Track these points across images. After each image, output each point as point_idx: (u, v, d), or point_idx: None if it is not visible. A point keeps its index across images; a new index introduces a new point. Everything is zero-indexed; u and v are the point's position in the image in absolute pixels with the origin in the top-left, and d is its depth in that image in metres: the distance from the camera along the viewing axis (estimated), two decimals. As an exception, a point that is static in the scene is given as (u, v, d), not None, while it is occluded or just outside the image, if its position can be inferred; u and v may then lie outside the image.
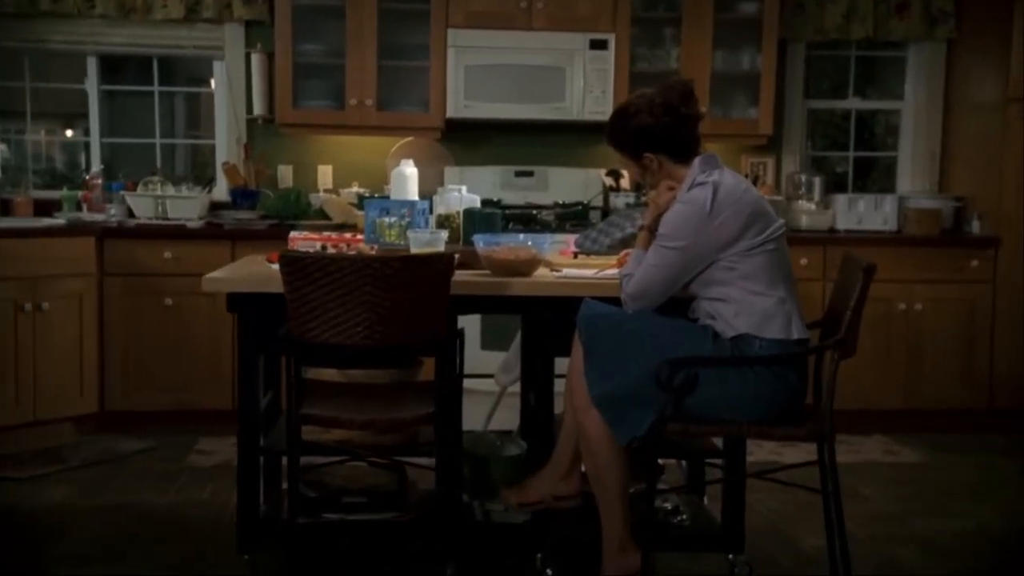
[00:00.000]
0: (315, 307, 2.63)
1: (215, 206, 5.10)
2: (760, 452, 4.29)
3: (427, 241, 3.02)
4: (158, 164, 5.30)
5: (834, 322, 2.72)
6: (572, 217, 5.01)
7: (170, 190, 4.99)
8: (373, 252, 3.23)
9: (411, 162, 3.43)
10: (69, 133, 6.06)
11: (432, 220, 3.38)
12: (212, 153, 5.37)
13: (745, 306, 2.64)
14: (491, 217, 3.26)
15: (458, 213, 3.37)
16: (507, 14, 4.90)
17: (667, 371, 2.57)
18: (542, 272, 3.08)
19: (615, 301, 2.79)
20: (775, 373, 2.61)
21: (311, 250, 3.31)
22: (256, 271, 3.02)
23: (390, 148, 5.24)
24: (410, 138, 5.23)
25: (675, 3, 5.07)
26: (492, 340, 4.65)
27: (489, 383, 3.93)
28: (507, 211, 4.92)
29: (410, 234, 3.06)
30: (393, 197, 3.43)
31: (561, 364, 2.99)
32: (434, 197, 3.47)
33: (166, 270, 4.62)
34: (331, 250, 3.35)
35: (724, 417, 2.64)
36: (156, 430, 4.64)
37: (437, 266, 2.68)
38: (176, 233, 4.72)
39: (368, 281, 2.60)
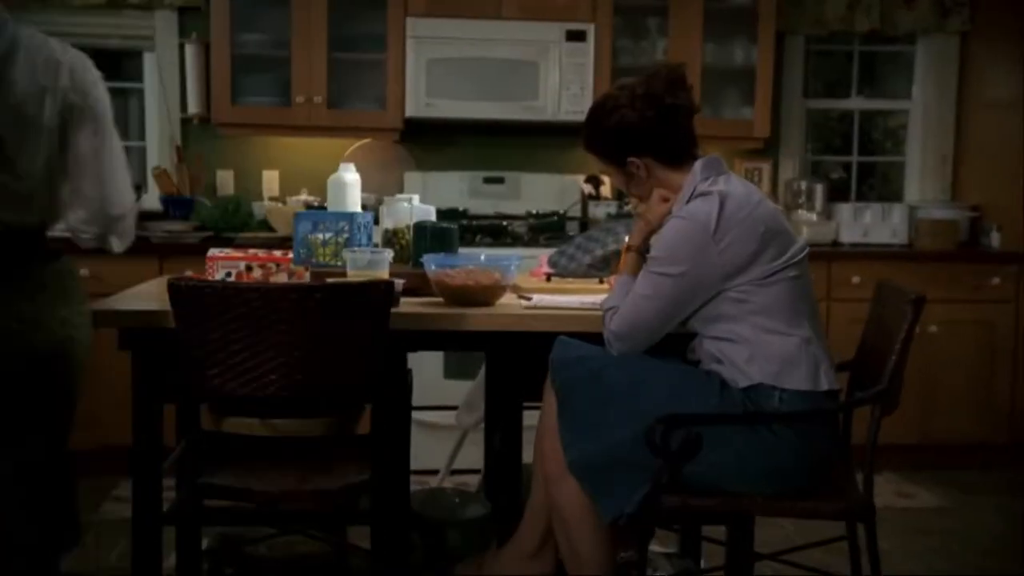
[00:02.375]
0: (215, 350, 2.08)
1: (145, 216, 4.52)
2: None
3: (367, 263, 2.48)
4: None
5: (869, 365, 2.19)
6: (547, 229, 4.56)
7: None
8: (302, 276, 2.69)
9: (351, 166, 2.88)
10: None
11: (377, 236, 2.85)
12: (142, 157, 4.79)
13: (760, 348, 2.10)
14: (446, 233, 2.71)
15: (408, 228, 2.82)
16: (474, 1, 4.44)
17: (662, 431, 2.03)
18: (507, 300, 2.55)
19: (597, 338, 2.25)
20: (799, 434, 2.08)
21: (230, 272, 2.78)
22: (159, 298, 2.44)
23: (344, 151, 4.73)
24: (366, 140, 4.74)
25: None
26: (456, 368, 4.17)
27: (452, 417, 3.43)
28: (475, 222, 4.55)
29: (346, 255, 2.51)
30: (331, 208, 2.87)
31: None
32: (380, 208, 2.92)
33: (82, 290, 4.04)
34: (257, 270, 2.84)
35: (734, 488, 2.11)
36: (70, 473, 4.04)
37: (372, 296, 2.13)
38: (94, 248, 4.15)
39: (283, 317, 2.05)
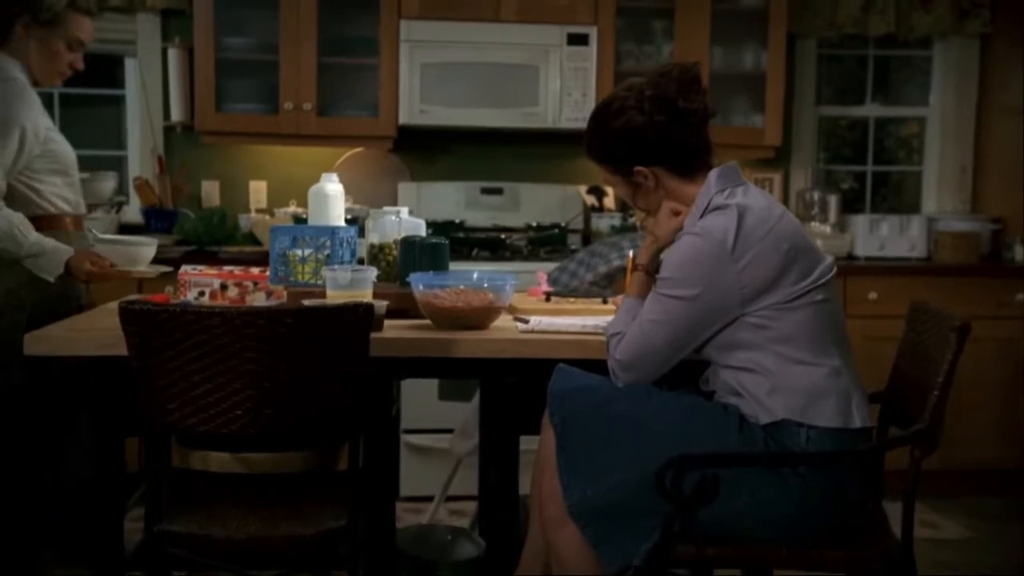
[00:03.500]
0: (173, 382, 1.86)
1: (125, 229, 4.31)
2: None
3: (348, 282, 2.26)
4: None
5: (905, 398, 1.96)
6: (548, 242, 4.36)
7: (70, 210, 4.21)
8: (281, 296, 2.47)
9: (334, 176, 2.66)
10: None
11: (362, 251, 2.64)
12: (123, 167, 4.58)
13: (784, 380, 1.88)
14: (436, 249, 2.49)
15: (396, 243, 2.60)
16: (470, 3, 4.24)
17: (674, 472, 1.81)
18: (502, 323, 2.33)
19: (601, 366, 2.02)
20: (828, 476, 1.86)
21: (203, 291, 2.57)
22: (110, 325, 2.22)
23: (335, 161, 4.56)
24: (358, 149, 4.56)
25: None
26: (452, 390, 3.97)
27: (447, 440, 3.27)
28: (471, 234, 4.35)
29: (326, 273, 2.29)
30: (312, 221, 2.65)
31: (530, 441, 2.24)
32: (366, 222, 2.70)
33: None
34: (232, 289, 2.62)
35: (754, 537, 1.88)
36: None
37: (349, 321, 1.90)
38: (70, 262, 3.94)
39: (250, 345, 1.83)
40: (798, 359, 1.89)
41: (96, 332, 2.13)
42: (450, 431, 3.27)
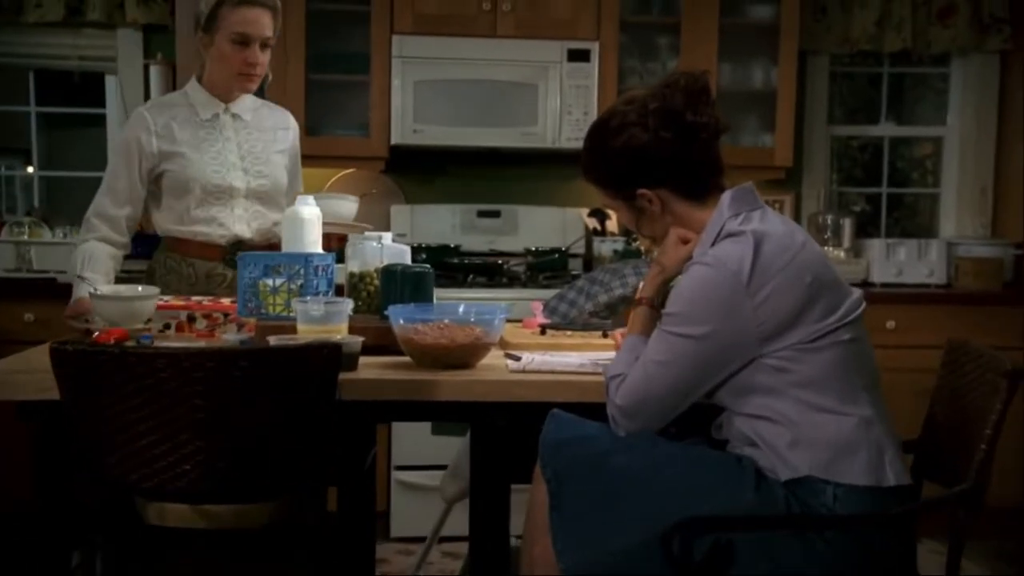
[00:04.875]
0: (113, 432, 1.64)
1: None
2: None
3: (321, 316, 2.04)
4: (35, 202, 4.34)
5: (942, 450, 1.74)
6: (547, 268, 4.19)
7: (47, 235, 4.04)
8: (246, 330, 2.26)
9: (310, 199, 2.46)
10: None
11: (340, 278, 2.43)
12: (103, 188, 4.40)
13: (807, 430, 1.66)
14: (420, 278, 2.27)
15: (377, 271, 2.39)
16: (466, 17, 4.09)
17: (682, 537, 1.59)
18: (492, 360, 2.12)
19: (601, 411, 1.81)
20: (858, 541, 1.64)
21: (169, 324, 2.37)
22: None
23: (324, 183, 4.39)
24: (349, 170, 4.40)
25: (672, 4, 4.29)
26: (447, 424, 3.75)
27: (440, 478, 3.03)
28: (467, 259, 4.19)
29: (296, 306, 2.08)
30: (286, 248, 2.45)
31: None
32: (346, 249, 2.49)
33: (27, 336, 3.64)
34: (201, 321, 2.42)
35: (774, 610, 1.65)
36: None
37: (313, 362, 1.69)
38: (43, 289, 3.80)
39: (199, 391, 1.61)
40: (823, 407, 1.67)
41: (36, 375, 1.90)
42: (444, 467, 3.06)
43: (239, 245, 2.73)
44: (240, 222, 2.77)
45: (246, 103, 2.84)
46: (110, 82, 4.34)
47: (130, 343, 2.24)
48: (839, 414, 1.67)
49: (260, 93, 2.94)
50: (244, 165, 2.77)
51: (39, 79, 4.51)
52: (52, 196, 4.74)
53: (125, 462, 1.65)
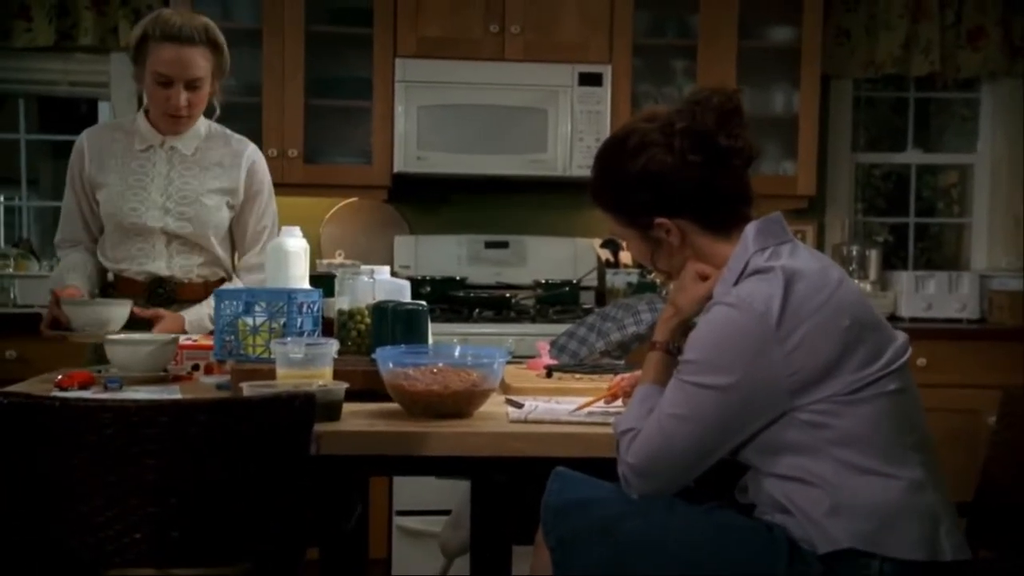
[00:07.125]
0: (54, 497, 1.44)
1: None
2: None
3: (302, 359, 1.85)
4: (25, 233, 4.19)
5: (1001, 514, 1.52)
6: (557, 301, 4.03)
7: (34, 266, 3.89)
8: (222, 373, 2.07)
9: (296, 230, 2.26)
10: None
11: (327, 316, 2.23)
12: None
13: (848, 496, 1.46)
14: (412, 316, 2.08)
15: (369, 309, 2.20)
16: (472, 41, 3.98)
17: (704, 619, 1.37)
18: (491, 407, 1.92)
19: (611, 468, 1.60)
20: (909, 626, 1.41)
21: (193, 367, 2.22)
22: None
23: (325, 213, 4.27)
24: (350, 199, 4.28)
25: (688, 26, 4.15)
26: (449, 466, 3.56)
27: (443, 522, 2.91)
28: (473, 292, 4.05)
29: (275, 348, 1.88)
30: (271, 283, 2.26)
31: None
32: (335, 283, 2.30)
33: (7, 374, 3.47)
34: (186, 365, 2.27)
35: None
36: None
37: (282, 416, 1.49)
38: (26, 325, 3.61)
39: (150, 449, 1.42)
40: (866, 468, 1.46)
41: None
42: (447, 512, 2.92)
43: (159, 283, 2.60)
44: (159, 259, 2.61)
45: (193, 134, 2.63)
46: (103, 108, 4.21)
47: (95, 388, 2.07)
48: (885, 476, 1.46)
49: (222, 120, 2.75)
50: (167, 204, 2.58)
51: (42, 106, 4.42)
52: (51, 227, 4.62)
53: (65, 531, 1.45)
